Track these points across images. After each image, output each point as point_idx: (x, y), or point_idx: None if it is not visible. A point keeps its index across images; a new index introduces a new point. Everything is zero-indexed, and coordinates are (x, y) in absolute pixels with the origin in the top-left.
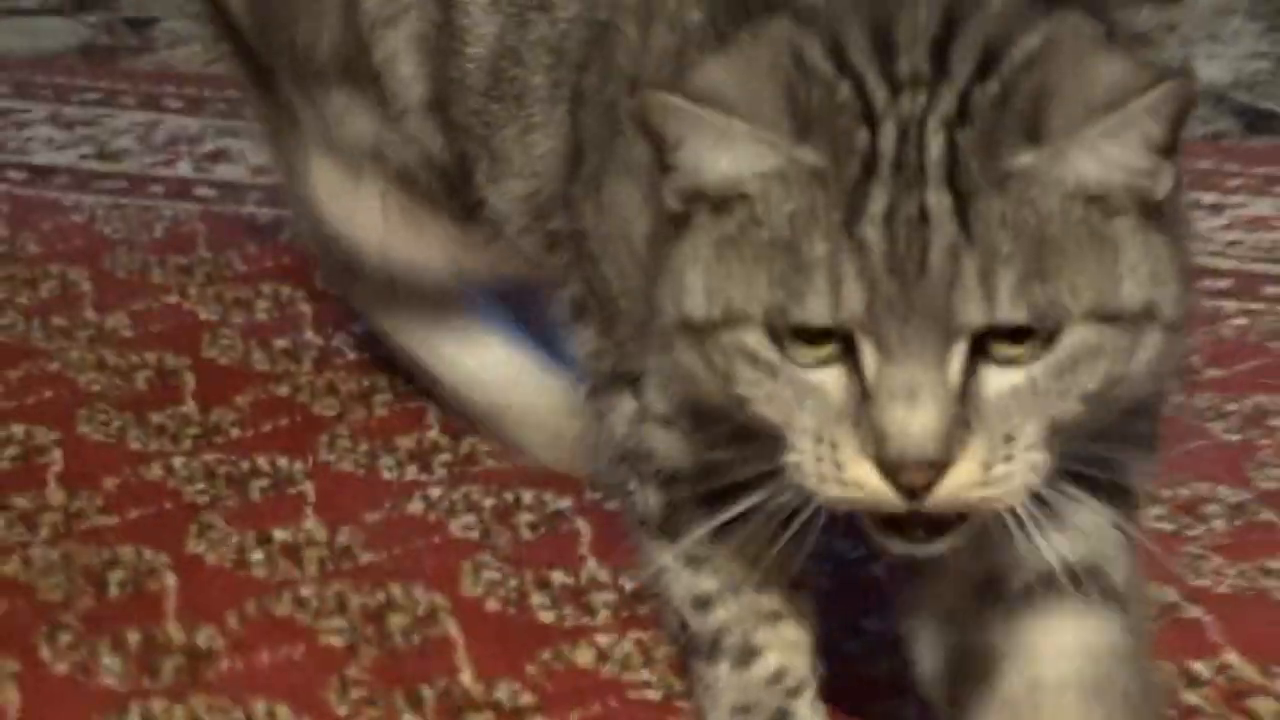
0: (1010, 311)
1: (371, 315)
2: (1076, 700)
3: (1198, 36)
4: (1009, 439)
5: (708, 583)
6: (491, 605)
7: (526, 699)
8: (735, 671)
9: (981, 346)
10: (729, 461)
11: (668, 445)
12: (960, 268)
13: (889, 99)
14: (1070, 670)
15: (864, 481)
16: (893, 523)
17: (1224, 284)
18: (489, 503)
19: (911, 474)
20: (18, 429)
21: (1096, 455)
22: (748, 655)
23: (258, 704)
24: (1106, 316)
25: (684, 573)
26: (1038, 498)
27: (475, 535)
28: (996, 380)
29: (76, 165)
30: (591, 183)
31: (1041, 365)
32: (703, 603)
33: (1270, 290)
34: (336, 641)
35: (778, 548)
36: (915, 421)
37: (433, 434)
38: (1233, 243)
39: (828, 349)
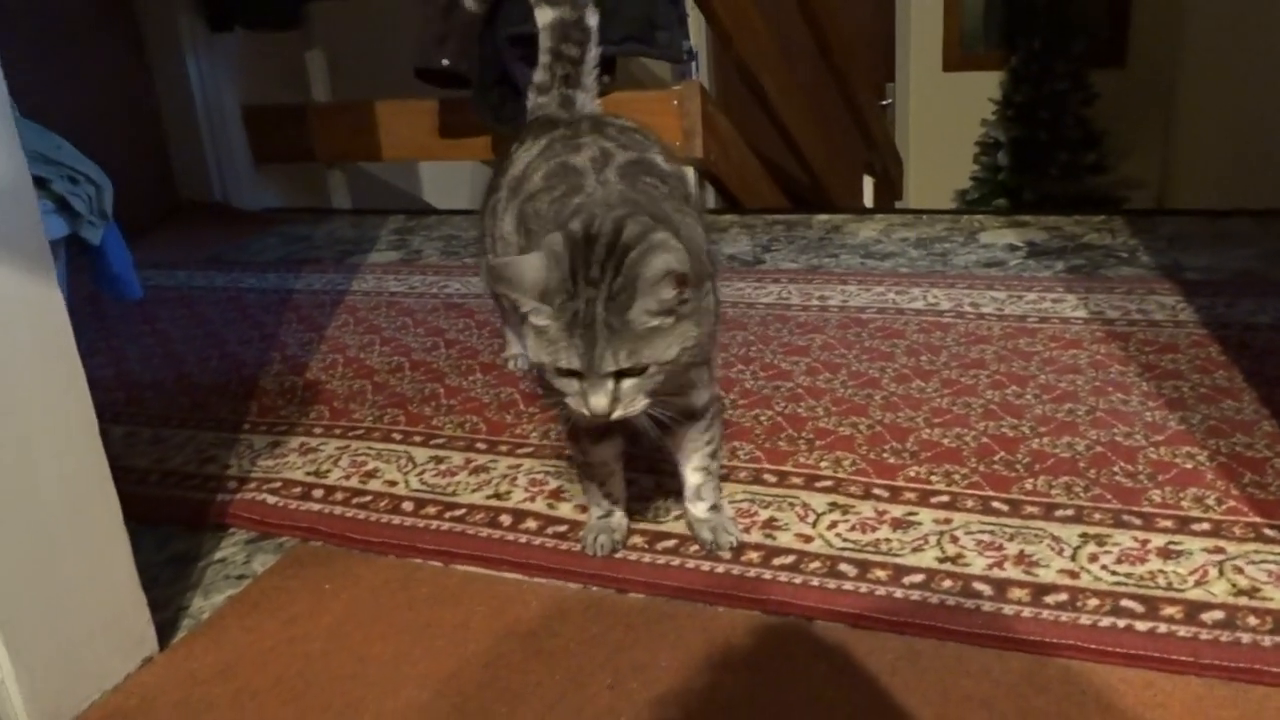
0: (624, 364)
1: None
2: (698, 463)
3: None
4: (632, 401)
5: (590, 473)
6: None
7: None
8: (597, 508)
9: (619, 375)
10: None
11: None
12: (605, 352)
13: (583, 289)
14: (697, 449)
15: (587, 417)
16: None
17: None
18: None
19: (600, 417)
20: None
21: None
22: (601, 504)
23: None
24: (663, 363)
25: (583, 467)
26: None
27: None
28: (626, 385)
29: None
30: None
31: (641, 379)
32: (585, 475)
33: None
34: None
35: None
36: (599, 403)
37: None
38: None
39: (574, 375)
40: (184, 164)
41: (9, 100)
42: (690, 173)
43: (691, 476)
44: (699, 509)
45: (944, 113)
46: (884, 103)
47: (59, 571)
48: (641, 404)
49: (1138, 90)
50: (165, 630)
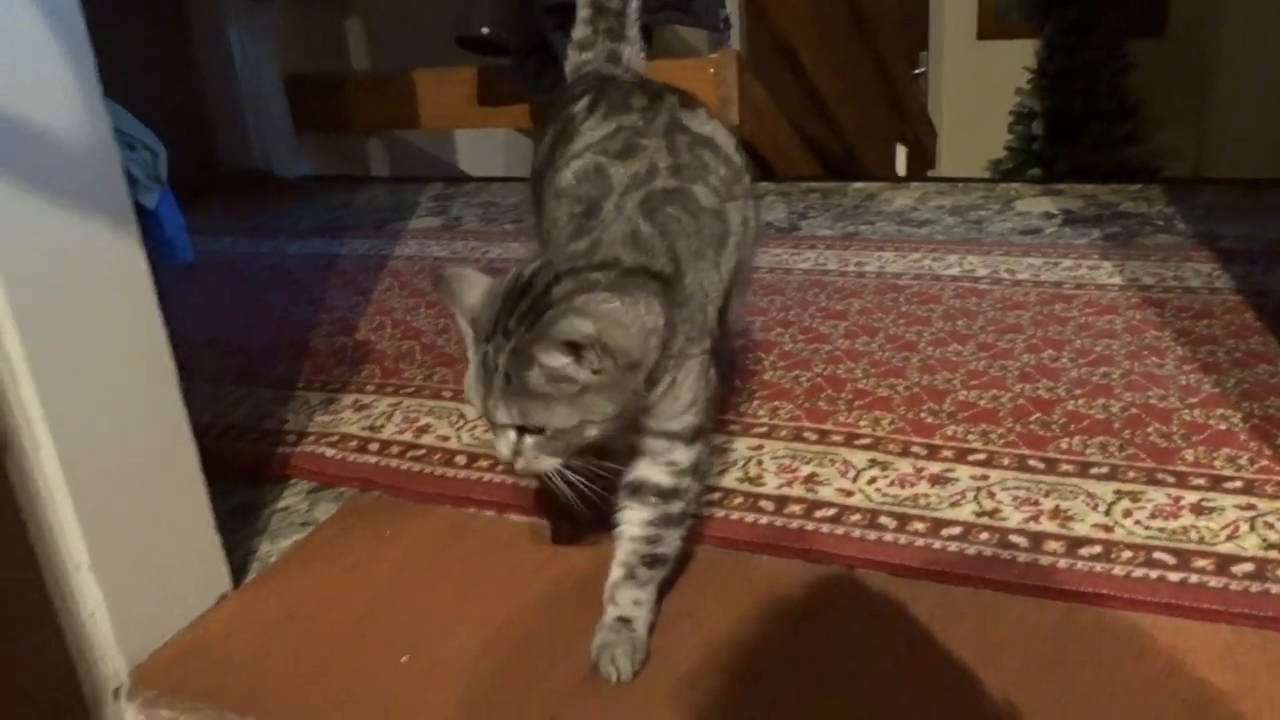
0: (516, 421)
1: None
2: (625, 555)
3: None
4: (536, 458)
5: None
6: None
7: None
8: None
9: (521, 429)
10: None
11: None
12: (499, 405)
13: (497, 336)
14: (638, 531)
15: (499, 460)
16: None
17: None
18: None
19: (505, 462)
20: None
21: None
22: None
23: None
24: (559, 430)
25: None
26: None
27: None
28: (528, 442)
29: None
30: None
31: (542, 440)
32: None
33: None
34: None
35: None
36: (503, 450)
37: None
38: None
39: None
40: (225, 132)
41: (95, 67)
42: (749, 206)
43: (614, 569)
44: (607, 613)
45: (978, 82)
46: (917, 71)
47: (145, 513)
48: (548, 464)
49: (1175, 61)
50: (236, 573)
